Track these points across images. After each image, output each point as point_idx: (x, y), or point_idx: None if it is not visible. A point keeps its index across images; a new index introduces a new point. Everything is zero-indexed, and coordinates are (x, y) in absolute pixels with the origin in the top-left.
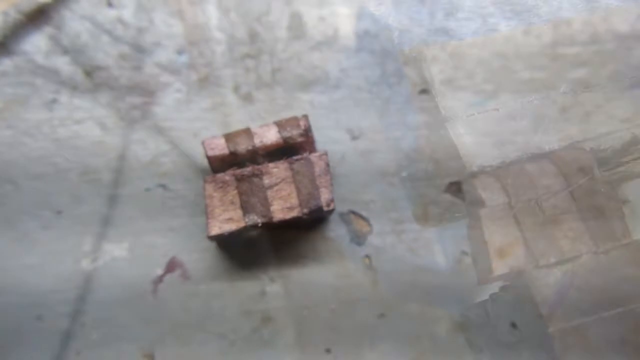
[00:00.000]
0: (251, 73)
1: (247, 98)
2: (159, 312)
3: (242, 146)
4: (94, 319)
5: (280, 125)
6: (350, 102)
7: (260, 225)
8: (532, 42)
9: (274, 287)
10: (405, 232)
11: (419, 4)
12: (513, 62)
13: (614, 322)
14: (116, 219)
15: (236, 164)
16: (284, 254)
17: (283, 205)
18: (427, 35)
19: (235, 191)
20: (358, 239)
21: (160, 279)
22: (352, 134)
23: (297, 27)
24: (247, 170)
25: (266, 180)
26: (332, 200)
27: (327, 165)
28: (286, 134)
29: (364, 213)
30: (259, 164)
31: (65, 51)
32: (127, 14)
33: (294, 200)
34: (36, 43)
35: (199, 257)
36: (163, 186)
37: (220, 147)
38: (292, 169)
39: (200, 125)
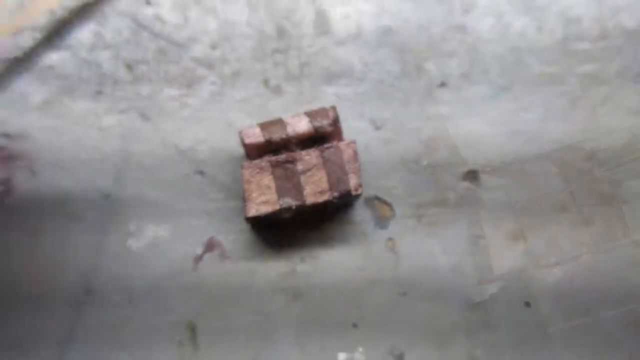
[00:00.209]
0: (280, 67)
1: (277, 90)
2: (200, 288)
3: (276, 135)
4: (141, 293)
5: (310, 115)
6: (373, 95)
7: (293, 208)
8: (544, 38)
9: (304, 266)
10: (425, 216)
11: (437, 2)
12: (526, 57)
13: (614, 321)
14: (158, 202)
15: (270, 151)
16: (314, 236)
17: (315, 189)
18: (445, 32)
19: (271, 176)
20: (382, 223)
21: (200, 258)
22: (375, 125)
23: (322, 23)
24: (282, 157)
25: (299, 167)
26: (360, 185)
27: (355, 152)
28: (317, 123)
29: (387, 198)
30: (291, 151)
31: (108, 46)
32: (165, 11)
33: (325, 185)
34: (80, 38)
35: (235, 237)
36: (200, 172)
37: (256, 136)
38: (322, 156)
39: (234, 115)
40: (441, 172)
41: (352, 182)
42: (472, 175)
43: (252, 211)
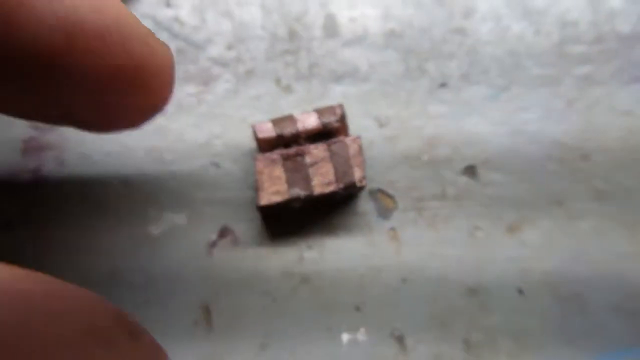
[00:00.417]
0: (290, 67)
1: (287, 89)
2: (214, 272)
3: (287, 130)
4: (159, 275)
5: (319, 112)
6: (378, 94)
7: (302, 197)
8: (542, 41)
9: (311, 253)
10: (425, 208)
11: (439, 6)
12: (524, 59)
13: (605, 308)
14: (176, 192)
15: (281, 145)
16: (320, 226)
17: (322, 180)
18: (446, 35)
19: (282, 168)
20: (384, 214)
21: (214, 244)
22: (379, 122)
23: (331, 26)
24: (292, 150)
25: (307, 160)
26: (364, 177)
27: (360, 147)
28: (325, 120)
29: (390, 191)
30: (301, 145)
31: None
32: (183, 13)
33: (331, 177)
34: None
35: (246, 225)
36: (215, 164)
37: (268, 131)
38: (329, 150)
39: (247, 112)
40: (441, 168)
41: (357, 174)
42: (471, 171)
43: (264, 200)
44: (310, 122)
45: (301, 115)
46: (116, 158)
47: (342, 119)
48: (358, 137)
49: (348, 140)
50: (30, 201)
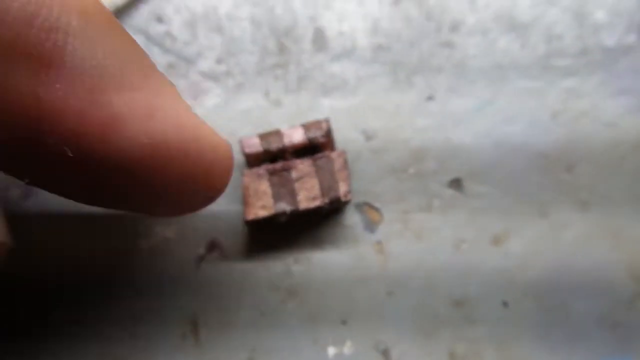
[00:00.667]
0: (280, 81)
1: (276, 102)
2: (202, 285)
3: (274, 145)
4: (147, 288)
5: (305, 127)
6: (366, 107)
7: (288, 212)
8: (527, 54)
9: (298, 267)
10: (411, 221)
11: (427, 20)
12: (510, 72)
13: (588, 317)
14: None
15: (268, 159)
16: (307, 239)
17: (307, 195)
18: (434, 48)
19: (268, 183)
20: (370, 226)
21: (202, 258)
22: (366, 135)
23: (320, 40)
24: (278, 165)
25: (293, 174)
26: (349, 192)
27: (345, 161)
28: (311, 135)
29: (376, 204)
30: (287, 160)
31: None
32: (175, 28)
33: (317, 192)
34: None
35: (234, 239)
36: None
37: (255, 146)
38: (315, 165)
39: (237, 125)
40: (428, 180)
41: (342, 189)
42: (457, 183)
43: (251, 215)
44: (296, 136)
45: (288, 130)
46: None
47: (328, 133)
48: (343, 152)
49: (333, 154)
50: (19, 217)
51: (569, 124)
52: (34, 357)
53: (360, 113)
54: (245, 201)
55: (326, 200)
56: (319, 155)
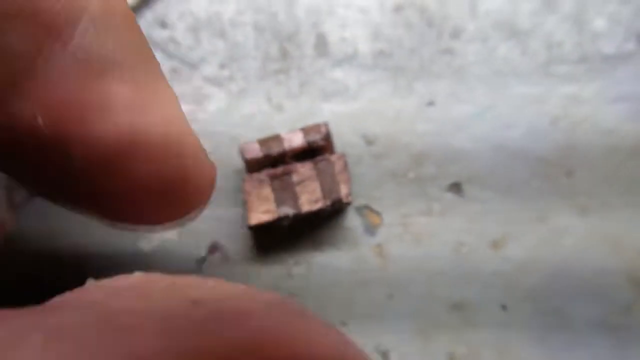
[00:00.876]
0: (282, 86)
1: (278, 107)
2: None
3: (274, 150)
4: None
5: (305, 131)
6: (367, 112)
7: (291, 216)
8: (527, 61)
9: (299, 269)
10: (411, 224)
11: (428, 27)
12: (510, 79)
13: (585, 322)
14: None
15: (268, 164)
16: (307, 242)
17: (309, 198)
18: (434, 55)
19: (269, 188)
20: (371, 230)
21: (203, 260)
22: (367, 140)
23: (321, 46)
24: (279, 170)
25: (294, 178)
26: (349, 194)
27: (345, 164)
28: (310, 138)
29: (376, 208)
30: (287, 164)
31: None
32: (178, 33)
33: (318, 194)
34: None
35: (235, 242)
36: None
37: (255, 151)
38: (316, 168)
39: (239, 130)
40: (427, 185)
41: (343, 191)
42: (456, 188)
43: (254, 220)
44: (296, 141)
45: (287, 134)
46: None
47: (327, 137)
48: (343, 155)
49: (333, 157)
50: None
51: (569, 130)
52: None
53: (361, 118)
54: (247, 206)
55: (328, 202)
56: (319, 158)
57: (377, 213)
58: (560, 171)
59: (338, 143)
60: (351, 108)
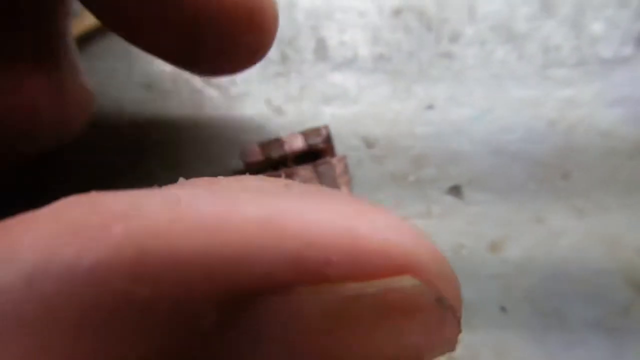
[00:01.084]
0: (282, 89)
1: (278, 110)
2: None
3: (275, 153)
4: None
5: (305, 134)
6: (367, 115)
7: None
8: (525, 64)
9: None
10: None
11: (426, 31)
12: (507, 82)
13: (584, 323)
14: None
15: (269, 167)
16: None
17: None
18: (433, 58)
19: None
20: None
21: None
22: (367, 142)
23: (321, 50)
24: (280, 173)
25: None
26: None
27: (346, 167)
28: (311, 141)
29: None
30: (288, 167)
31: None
32: None
33: None
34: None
35: None
36: None
37: (256, 155)
38: (316, 171)
39: (239, 133)
40: (427, 187)
41: (344, 192)
42: (455, 190)
43: None
44: (296, 144)
45: (288, 137)
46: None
47: (328, 139)
48: (344, 157)
49: (334, 160)
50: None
51: (566, 132)
52: None
53: (361, 121)
54: None
55: None
56: (320, 161)
57: None
58: (557, 173)
59: (338, 146)
60: (351, 111)
